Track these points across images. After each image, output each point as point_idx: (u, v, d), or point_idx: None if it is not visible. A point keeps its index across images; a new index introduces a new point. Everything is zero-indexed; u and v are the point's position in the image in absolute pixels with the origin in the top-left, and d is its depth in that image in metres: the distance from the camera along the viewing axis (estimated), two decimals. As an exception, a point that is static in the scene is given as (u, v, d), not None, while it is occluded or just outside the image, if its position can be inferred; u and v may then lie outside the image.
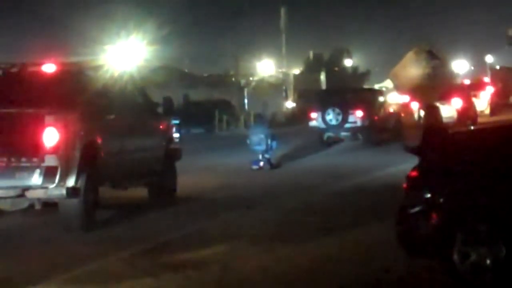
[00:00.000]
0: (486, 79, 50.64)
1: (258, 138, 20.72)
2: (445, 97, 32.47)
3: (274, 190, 16.53)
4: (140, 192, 14.37)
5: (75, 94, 12.19)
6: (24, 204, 12.06)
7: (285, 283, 8.49)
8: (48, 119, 11.38)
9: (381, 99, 29.80)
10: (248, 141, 21.15)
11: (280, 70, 60.75)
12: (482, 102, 36.53)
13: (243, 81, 55.89)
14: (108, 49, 34.57)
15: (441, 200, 8.11)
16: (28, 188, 11.44)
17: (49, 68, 12.83)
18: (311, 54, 68.50)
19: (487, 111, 36.78)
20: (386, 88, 42.03)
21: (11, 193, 11.58)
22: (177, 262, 9.52)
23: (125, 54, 35.34)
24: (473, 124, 30.09)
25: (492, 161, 7.99)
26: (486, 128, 10.19)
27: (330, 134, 27.55)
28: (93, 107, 12.50)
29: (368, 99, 28.79)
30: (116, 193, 13.72)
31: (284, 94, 57.40)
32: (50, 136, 11.33)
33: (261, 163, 20.67)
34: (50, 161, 11.32)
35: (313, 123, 27.92)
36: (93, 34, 35.78)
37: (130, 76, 14.97)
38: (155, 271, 9.08)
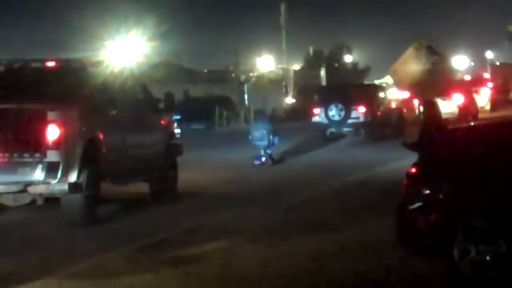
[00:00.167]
0: (486, 75, 50.71)
1: (260, 134, 20.79)
2: (446, 93, 32.54)
3: (275, 185, 16.55)
4: (141, 187, 14.39)
5: (77, 90, 12.24)
6: (26, 199, 12.12)
7: (284, 280, 8.47)
8: (50, 115, 11.42)
9: (383, 95, 29.88)
10: (250, 137, 21.21)
11: (280, 66, 60.71)
12: (483, 98, 36.56)
13: (243, 77, 55.86)
14: (108, 45, 34.61)
15: (441, 196, 8.10)
16: (30, 183, 11.50)
17: (51, 64, 12.87)
18: (311, 50, 68.43)
19: (488, 107, 36.81)
20: (386, 84, 41.96)
21: (14, 188, 11.64)
22: (177, 258, 9.54)
23: (125, 50, 35.37)
24: (474, 120, 30.16)
25: (492, 157, 7.98)
26: (486, 124, 10.19)
27: (332, 129, 27.64)
28: (95, 103, 12.55)
29: (371, 95, 28.87)
30: (117, 189, 13.74)
31: (284, 90, 57.38)
32: (52, 132, 11.38)
33: (263, 159, 20.75)
34: (52, 156, 11.37)
35: (315, 119, 27.99)
36: (93, 30, 35.80)
37: (131, 72, 15.00)
38: (155, 267, 9.09)
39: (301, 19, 69.79)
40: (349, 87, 32.94)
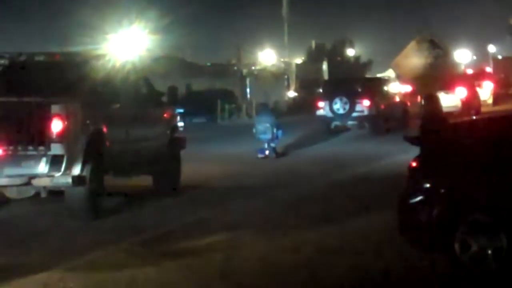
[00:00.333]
0: (488, 69, 50.70)
1: (263, 127, 20.85)
2: (449, 87, 32.58)
3: (278, 179, 16.58)
4: (144, 180, 14.41)
5: (81, 84, 12.27)
6: (30, 192, 12.16)
7: (285, 273, 8.49)
8: (54, 108, 11.45)
9: (387, 88, 29.97)
10: (253, 130, 21.27)
11: (282, 60, 60.67)
12: (485, 91, 36.58)
13: (245, 71, 55.83)
14: (110, 38, 34.60)
15: (442, 190, 8.11)
16: (34, 176, 11.52)
17: (54, 57, 12.89)
18: (313, 43, 68.38)
19: (490, 101, 36.82)
20: (388, 77, 41.99)
21: (18, 181, 11.66)
22: (179, 252, 9.56)
23: (127, 43, 35.35)
24: (476, 114, 30.19)
25: (493, 151, 7.97)
26: (487, 118, 10.20)
27: (337, 123, 27.73)
28: (98, 96, 12.58)
29: (375, 89, 28.97)
30: (120, 182, 13.76)
31: (286, 83, 57.36)
32: (56, 125, 11.40)
33: (267, 152, 20.81)
34: (56, 149, 11.40)
35: (320, 112, 28.08)
36: (94, 23, 35.80)
37: (134, 65, 15.02)
38: (157, 260, 9.10)
39: (303, 12, 69.68)
40: (354, 81, 33.03)
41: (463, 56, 65.46)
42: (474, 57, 72.86)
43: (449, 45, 50.83)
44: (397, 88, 32.52)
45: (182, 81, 44.41)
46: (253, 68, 57.73)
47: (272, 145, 20.93)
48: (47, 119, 11.41)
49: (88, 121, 12.04)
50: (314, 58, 64.48)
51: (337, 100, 27.36)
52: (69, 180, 11.53)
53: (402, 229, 8.36)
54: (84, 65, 12.81)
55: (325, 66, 58.94)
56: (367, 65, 69.35)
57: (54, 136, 11.39)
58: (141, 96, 14.13)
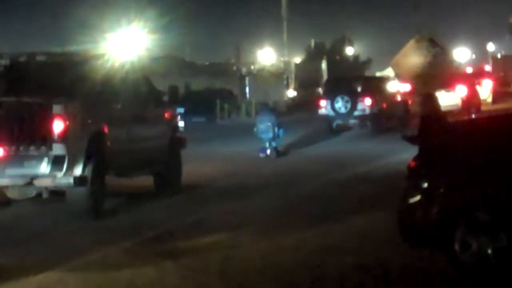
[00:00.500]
0: (488, 68, 50.74)
1: (265, 126, 20.89)
2: (449, 85, 32.65)
3: (279, 178, 16.58)
4: (144, 180, 14.43)
5: (82, 84, 12.29)
6: (32, 192, 12.18)
7: (286, 273, 8.49)
8: (55, 108, 11.48)
9: (389, 87, 30.05)
10: (255, 129, 21.30)
11: (281, 59, 60.74)
12: (485, 90, 36.61)
13: (244, 70, 55.89)
14: (109, 38, 34.57)
15: (441, 189, 8.09)
16: (36, 176, 11.57)
17: (55, 57, 12.92)
18: (312, 42, 68.43)
19: (489, 100, 36.84)
20: (388, 76, 42.00)
21: (20, 181, 11.70)
22: (179, 252, 9.56)
23: (126, 43, 35.33)
24: (477, 112, 30.24)
25: (492, 150, 7.96)
26: (486, 117, 10.21)
27: (339, 121, 27.79)
28: (99, 96, 12.61)
29: (376, 87, 29.06)
30: (121, 182, 13.78)
31: (285, 82, 57.42)
32: (58, 125, 11.44)
33: (268, 151, 20.85)
34: (58, 150, 11.44)
35: (322, 111, 28.14)
36: (94, 22, 35.79)
37: (134, 65, 15.04)
38: (156, 260, 9.11)
39: (302, 11, 69.76)
40: (355, 80, 33.14)
41: (462, 55, 65.55)
42: (473, 56, 72.96)
43: (449, 43, 50.84)
44: (397, 87, 32.59)
45: (181, 81, 44.43)
46: (252, 67, 57.80)
47: (274, 144, 20.98)
48: (49, 119, 11.44)
49: (89, 121, 12.07)
50: (313, 57, 64.49)
51: (339, 99, 27.44)
52: (71, 180, 11.57)
53: (402, 228, 8.34)
54: (85, 65, 12.82)
55: (324, 65, 58.94)
56: (366, 64, 69.40)
57: (55, 136, 11.43)
58: (142, 96, 14.15)
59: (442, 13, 74.76)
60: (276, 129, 20.88)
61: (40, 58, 12.92)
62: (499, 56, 59.60)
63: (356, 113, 27.39)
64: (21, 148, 11.43)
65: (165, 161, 14.40)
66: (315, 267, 8.62)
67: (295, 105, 49.55)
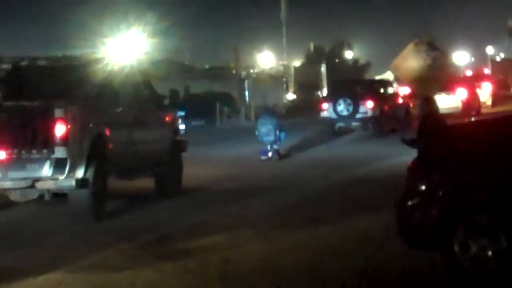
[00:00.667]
0: (487, 71, 50.80)
1: (266, 129, 20.94)
2: (450, 88, 32.73)
3: (279, 181, 16.59)
4: (145, 183, 14.46)
5: (84, 87, 12.35)
6: (34, 195, 12.23)
7: (285, 276, 8.50)
8: (57, 112, 11.54)
9: (390, 90, 30.19)
10: (256, 132, 21.34)
11: (280, 62, 60.73)
12: (484, 93, 36.68)
13: (243, 73, 55.86)
14: (108, 42, 34.56)
15: (441, 192, 8.11)
16: (38, 179, 11.63)
17: (56, 61, 12.98)
18: (311, 46, 68.42)
19: (489, 102, 36.91)
20: (387, 79, 42.04)
21: (22, 184, 11.76)
22: (178, 254, 9.58)
23: (126, 47, 35.32)
24: (477, 115, 30.31)
25: (492, 152, 7.98)
26: (485, 119, 10.22)
27: (341, 124, 27.90)
28: (101, 99, 12.67)
29: (378, 90, 29.24)
30: (122, 184, 13.81)
31: (284, 86, 57.42)
32: (60, 129, 11.50)
33: (270, 154, 20.89)
34: (60, 152, 11.49)
35: (324, 114, 28.28)
36: (93, 26, 35.79)
37: (136, 69, 15.09)
38: (156, 263, 9.15)
39: (301, 15, 69.82)
40: (357, 83, 33.30)
41: (461, 58, 65.57)
42: (473, 59, 72.97)
43: (448, 46, 50.92)
44: (400, 90, 32.75)
45: (180, 84, 44.43)
46: (251, 71, 57.76)
47: (275, 147, 21.03)
48: (51, 122, 11.50)
49: (91, 124, 12.13)
50: (312, 60, 64.48)
51: (341, 101, 27.60)
52: (73, 183, 11.64)
53: (401, 230, 8.35)
54: (86, 68, 12.88)
55: (323, 69, 58.97)
56: (366, 67, 69.40)
57: (57, 139, 11.49)
58: (143, 99, 14.20)
59: (441, 17, 74.84)
60: (277, 132, 20.93)
61: (41, 62, 12.97)
62: (498, 59, 59.69)
63: (358, 115, 27.54)
64: (24, 151, 11.48)
65: (166, 163, 14.44)
66: (314, 269, 8.64)
67: (294, 108, 49.53)
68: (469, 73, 47.52)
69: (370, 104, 27.63)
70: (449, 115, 24.51)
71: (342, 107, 27.56)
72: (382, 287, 8.09)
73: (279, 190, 14.93)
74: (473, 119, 24.41)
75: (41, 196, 12.20)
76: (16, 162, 11.48)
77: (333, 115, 27.74)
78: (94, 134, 12.10)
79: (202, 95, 45.92)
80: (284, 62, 60.65)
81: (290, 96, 56.70)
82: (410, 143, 9.60)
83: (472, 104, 32.50)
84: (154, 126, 14.44)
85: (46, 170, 11.49)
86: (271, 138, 20.88)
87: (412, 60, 44.88)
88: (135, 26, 38.19)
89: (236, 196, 14.38)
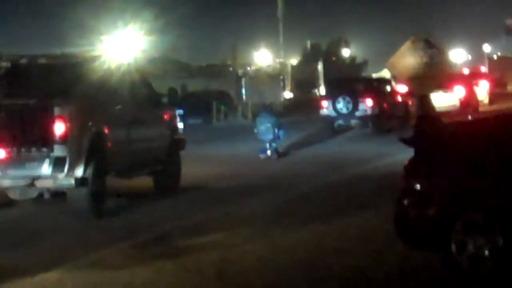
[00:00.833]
0: (483, 69, 50.87)
1: (265, 128, 20.94)
2: (447, 86, 32.78)
3: (278, 179, 16.60)
4: (143, 181, 14.45)
5: (83, 85, 12.34)
6: (33, 193, 12.23)
7: (283, 275, 8.51)
8: (56, 110, 11.54)
9: (390, 88, 30.24)
10: (255, 131, 21.34)
11: (277, 60, 60.73)
12: (481, 91, 36.74)
13: (240, 71, 55.84)
14: (105, 40, 34.51)
15: (437, 190, 8.12)
16: (37, 177, 11.63)
17: (55, 59, 12.97)
18: (308, 43, 68.48)
19: (486, 100, 36.97)
20: (388, 78, 42.08)
21: (22, 182, 11.77)
22: (177, 252, 9.59)
23: (123, 45, 35.28)
24: (474, 113, 30.36)
25: (488, 151, 7.99)
26: (481, 118, 10.24)
27: (340, 122, 27.95)
28: (99, 97, 12.66)
29: (378, 88, 29.35)
30: (120, 182, 13.81)
31: (281, 84, 57.41)
32: (59, 127, 11.50)
33: (268, 152, 20.89)
34: (59, 151, 11.49)
35: (323, 112, 28.34)
36: (89, 24, 35.74)
37: (134, 67, 15.07)
38: (154, 261, 9.16)
39: (298, 12, 69.86)
40: (357, 81, 33.36)
41: (458, 56, 65.66)
42: (469, 57, 73.06)
43: (445, 44, 50.96)
44: (399, 88, 32.79)
45: (177, 82, 44.39)
46: (248, 68, 57.75)
47: (274, 145, 21.03)
48: (50, 121, 11.50)
49: (90, 123, 12.12)
50: (309, 58, 64.55)
51: (340, 99, 27.71)
52: (72, 181, 11.64)
53: (399, 229, 8.37)
54: (84, 67, 12.87)
55: (320, 67, 59.00)
56: (363, 65, 69.47)
57: (56, 137, 11.49)
58: (142, 97, 14.20)
59: (438, 14, 74.93)
60: (276, 130, 20.93)
61: (40, 60, 12.96)
62: (495, 57, 59.76)
63: (357, 113, 27.65)
64: (23, 149, 11.49)
65: (164, 162, 14.43)
66: (313, 268, 8.65)
67: (291, 106, 49.53)
68: (466, 71, 47.53)
69: (369, 102, 27.74)
70: (447, 113, 24.52)
71: (341, 105, 27.67)
72: (381, 286, 8.09)
73: (277, 189, 14.95)
74: (469, 117, 24.42)
75: (40, 195, 12.20)
76: (15, 161, 11.49)
77: (333, 113, 27.85)
78: (93, 132, 12.11)
79: (199, 93, 45.87)
80: (281, 60, 60.66)
81: (287, 94, 56.70)
82: (408, 142, 9.59)
83: (469, 102, 32.56)
84: (152, 124, 14.44)
85: (46, 169, 11.49)
86: (270, 136, 20.88)
87: (409, 58, 44.92)
88: (132, 24, 38.14)
89: (235, 194, 14.39)
